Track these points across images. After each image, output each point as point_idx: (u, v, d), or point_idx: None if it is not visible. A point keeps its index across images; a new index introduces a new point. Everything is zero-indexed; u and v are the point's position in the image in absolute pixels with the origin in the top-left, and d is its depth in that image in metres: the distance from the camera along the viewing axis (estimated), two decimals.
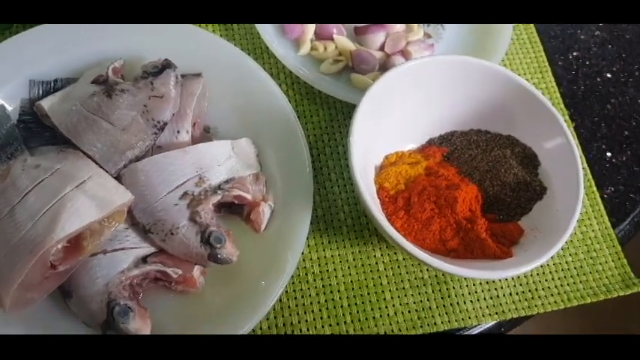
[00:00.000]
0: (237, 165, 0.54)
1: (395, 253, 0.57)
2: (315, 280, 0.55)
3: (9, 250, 0.45)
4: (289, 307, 0.54)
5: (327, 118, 0.63)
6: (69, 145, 0.51)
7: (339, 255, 0.56)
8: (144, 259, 0.49)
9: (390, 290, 0.55)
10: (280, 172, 0.56)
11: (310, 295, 0.54)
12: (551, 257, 0.48)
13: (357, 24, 0.65)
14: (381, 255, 0.57)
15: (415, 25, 0.66)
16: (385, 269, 0.56)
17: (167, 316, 0.49)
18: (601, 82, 0.72)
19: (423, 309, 0.55)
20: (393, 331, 0.53)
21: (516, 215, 0.54)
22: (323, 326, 0.53)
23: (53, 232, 0.44)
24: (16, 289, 0.44)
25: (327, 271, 0.55)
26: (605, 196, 0.64)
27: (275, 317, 0.53)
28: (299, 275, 0.55)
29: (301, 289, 0.54)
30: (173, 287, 0.50)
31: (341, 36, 0.64)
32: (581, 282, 0.58)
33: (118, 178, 0.50)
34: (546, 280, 0.58)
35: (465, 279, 0.57)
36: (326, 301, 0.54)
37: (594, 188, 0.64)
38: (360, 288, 0.55)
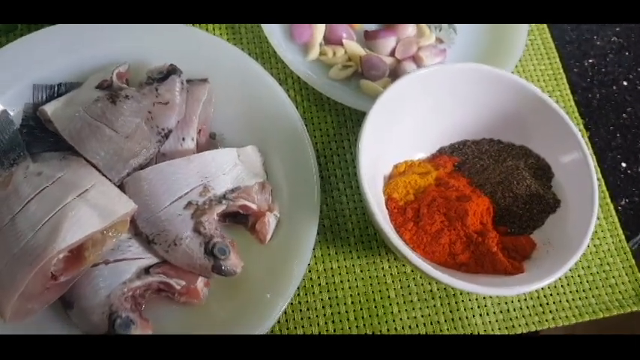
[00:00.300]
0: (242, 174, 0.53)
1: (403, 266, 0.56)
2: (321, 292, 0.54)
3: (10, 260, 0.44)
4: (294, 319, 0.53)
5: (335, 125, 0.62)
6: (72, 152, 0.50)
7: (345, 267, 0.55)
8: (146, 270, 0.48)
9: (397, 303, 0.54)
10: (287, 181, 0.54)
11: (316, 308, 0.53)
12: None
13: (367, 24, 0.64)
14: (389, 267, 0.56)
15: (427, 30, 0.64)
16: (393, 282, 0.55)
17: (170, 328, 0.48)
18: (617, 90, 0.70)
19: (432, 323, 0.54)
20: None
21: (528, 228, 0.53)
22: None
23: (54, 242, 0.43)
24: (17, 299, 0.43)
25: (334, 283, 0.54)
26: (620, 208, 0.63)
27: (280, 330, 0.52)
28: (305, 287, 0.54)
29: (307, 302, 0.53)
30: (176, 299, 0.49)
31: (351, 41, 0.63)
32: (593, 296, 0.57)
33: (121, 186, 0.49)
34: (558, 294, 0.57)
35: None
36: (332, 313, 0.53)
37: (608, 200, 0.62)
38: (367, 301, 0.54)
